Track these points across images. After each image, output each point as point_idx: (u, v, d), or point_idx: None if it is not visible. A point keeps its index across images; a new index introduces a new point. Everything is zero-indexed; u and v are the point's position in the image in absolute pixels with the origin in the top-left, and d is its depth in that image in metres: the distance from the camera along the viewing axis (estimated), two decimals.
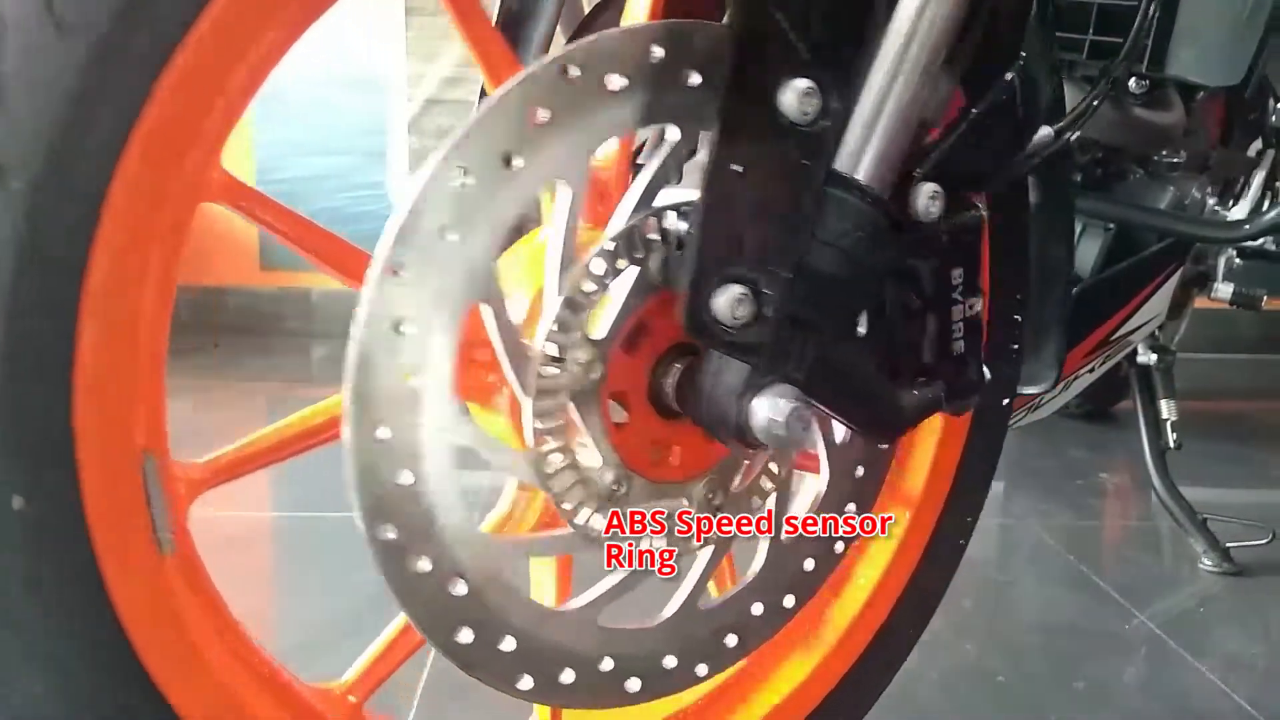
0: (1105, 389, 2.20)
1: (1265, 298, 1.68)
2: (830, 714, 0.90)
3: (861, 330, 0.72)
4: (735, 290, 0.60)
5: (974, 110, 0.70)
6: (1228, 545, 1.67)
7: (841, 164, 0.63)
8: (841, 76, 0.61)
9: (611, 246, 0.63)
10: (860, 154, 0.64)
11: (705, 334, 0.60)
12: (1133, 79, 1.11)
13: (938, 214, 0.68)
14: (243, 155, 2.92)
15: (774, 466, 0.75)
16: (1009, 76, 0.72)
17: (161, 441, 0.57)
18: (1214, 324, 3.05)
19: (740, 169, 0.59)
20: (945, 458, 0.93)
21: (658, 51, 0.61)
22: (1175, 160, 1.25)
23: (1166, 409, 1.73)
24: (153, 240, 0.54)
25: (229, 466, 0.64)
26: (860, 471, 0.81)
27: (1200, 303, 1.83)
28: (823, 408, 0.70)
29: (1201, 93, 1.23)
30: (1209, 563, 1.67)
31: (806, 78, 0.60)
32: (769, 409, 0.63)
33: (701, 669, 0.76)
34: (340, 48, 2.67)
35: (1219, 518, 1.69)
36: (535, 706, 0.80)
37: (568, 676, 0.69)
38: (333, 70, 2.74)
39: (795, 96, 0.59)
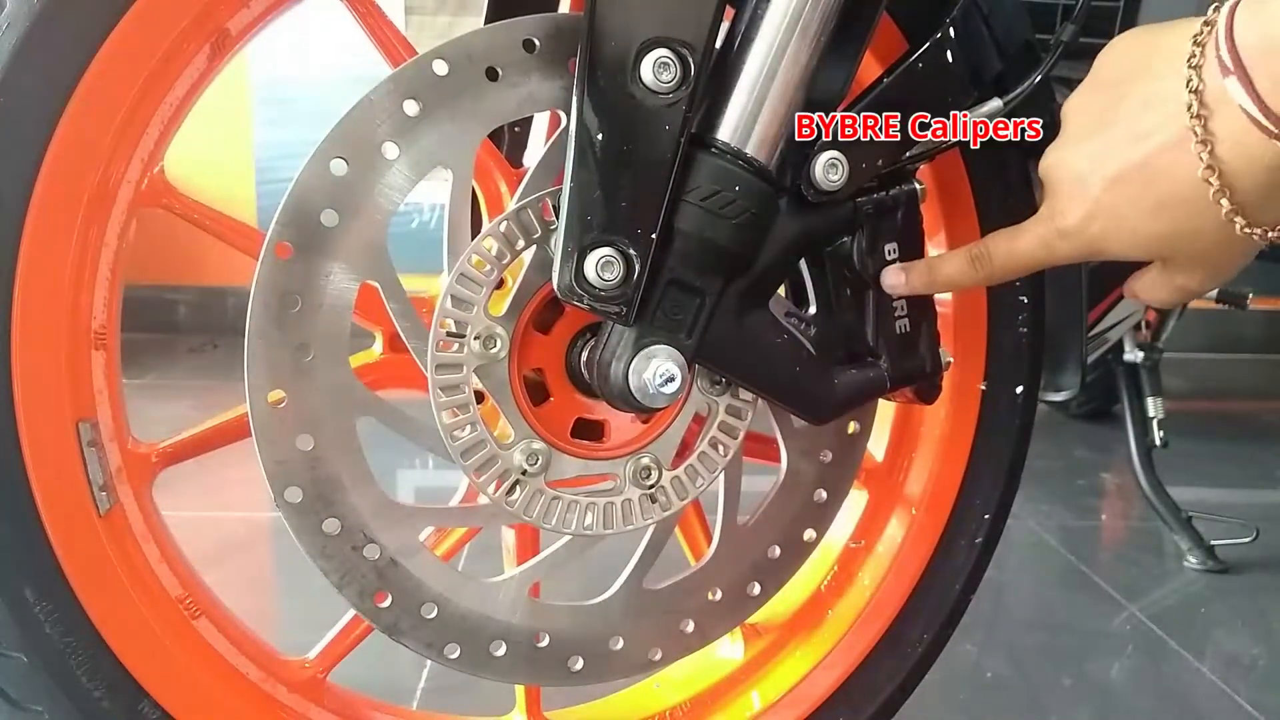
0: (1107, 388, 2.19)
1: (1251, 296, 1.61)
2: (829, 716, 0.87)
3: (780, 303, 0.72)
4: (603, 252, 0.63)
5: (902, 65, 0.70)
6: (1212, 543, 1.69)
7: (724, 133, 0.65)
8: (702, 46, 0.63)
9: (503, 227, 0.66)
10: (741, 123, 0.65)
11: (574, 296, 0.63)
12: None
13: (840, 182, 0.68)
14: (243, 156, 3.05)
15: (721, 445, 0.75)
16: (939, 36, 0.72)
17: (92, 413, 0.65)
18: (1215, 324, 3.11)
19: (600, 136, 0.62)
20: (951, 455, 0.90)
21: (533, 42, 0.65)
22: None
23: (1153, 407, 1.75)
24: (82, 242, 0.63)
25: (186, 446, 0.71)
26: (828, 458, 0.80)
27: (1201, 303, 1.79)
28: (725, 376, 0.71)
29: None
30: (1194, 560, 1.68)
31: (664, 47, 0.62)
32: (646, 370, 0.64)
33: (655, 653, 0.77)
34: (340, 47, 2.83)
35: (1204, 515, 1.72)
36: (516, 696, 0.82)
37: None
38: (333, 70, 2.89)
39: (651, 65, 0.62)
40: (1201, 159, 0.56)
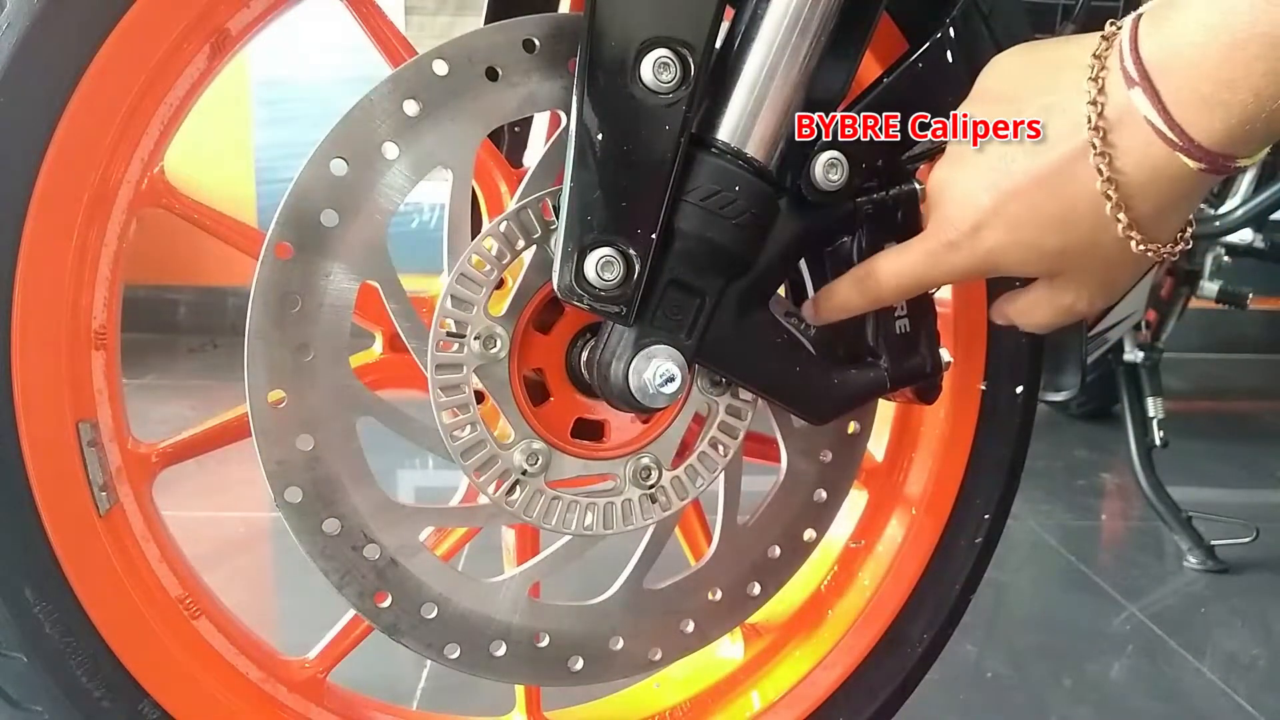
0: (1107, 388, 2.20)
1: (1251, 295, 1.62)
2: (829, 716, 0.87)
3: (780, 303, 0.72)
4: (603, 252, 0.63)
5: (902, 65, 0.70)
6: (1212, 543, 1.69)
7: (724, 133, 0.65)
8: (702, 46, 0.63)
9: (503, 227, 0.66)
10: (741, 122, 0.65)
11: (574, 296, 0.63)
12: None
13: (840, 182, 0.68)
14: (243, 156, 3.06)
15: (721, 445, 0.75)
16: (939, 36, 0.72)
17: (92, 413, 0.65)
18: (1215, 324, 3.13)
19: (600, 136, 0.62)
20: (951, 455, 0.90)
21: (533, 42, 0.65)
22: None
23: (1153, 406, 1.75)
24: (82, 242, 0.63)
25: (186, 446, 0.71)
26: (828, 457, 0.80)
27: (1203, 303, 1.81)
28: (725, 376, 0.71)
29: None
30: (1194, 560, 1.69)
31: (664, 47, 0.62)
32: (646, 370, 0.64)
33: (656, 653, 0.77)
34: (340, 47, 2.83)
35: (1204, 515, 1.72)
36: (516, 696, 0.82)
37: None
38: (333, 70, 2.90)
39: (651, 65, 0.62)
40: (1101, 171, 0.56)
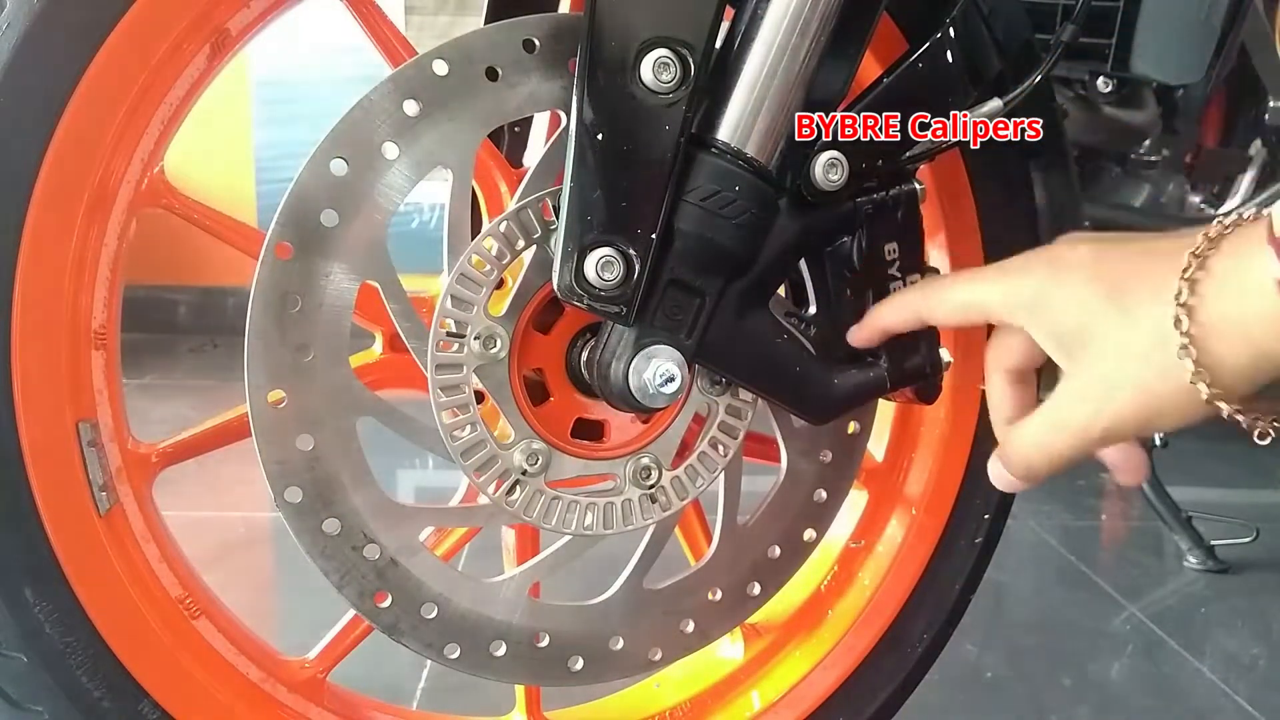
0: None
1: None
2: (829, 716, 0.87)
3: (780, 303, 0.72)
4: (603, 252, 0.63)
5: (902, 65, 0.70)
6: (1212, 543, 1.69)
7: (724, 133, 0.65)
8: (702, 46, 0.63)
9: (503, 227, 0.66)
10: (741, 123, 0.65)
11: (574, 296, 0.63)
12: (1100, 78, 1.11)
13: (840, 182, 0.68)
14: (243, 156, 3.05)
15: (720, 445, 0.75)
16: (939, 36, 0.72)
17: (92, 413, 0.65)
18: None
19: (600, 136, 0.62)
20: (951, 455, 0.90)
21: (533, 42, 0.65)
22: (1152, 158, 1.22)
23: None
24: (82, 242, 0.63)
25: (186, 446, 0.71)
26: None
27: None
28: (724, 376, 0.71)
29: (1180, 91, 1.20)
30: (1194, 560, 1.69)
31: (664, 47, 0.62)
32: (646, 370, 0.64)
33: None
34: (340, 47, 2.82)
35: (1204, 515, 1.72)
36: (516, 696, 0.82)
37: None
38: (333, 70, 2.88)
39: (651, 65, 0.62)
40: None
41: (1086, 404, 0.56)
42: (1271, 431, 0.53)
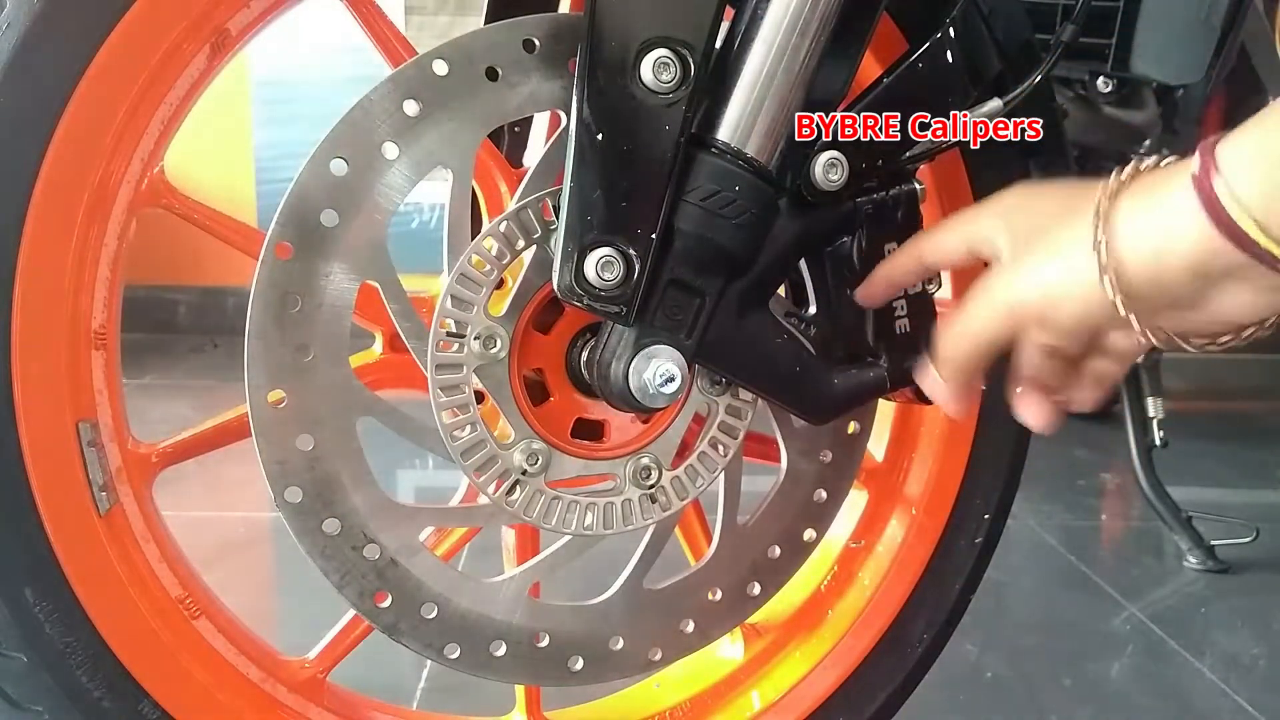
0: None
1: None
2: (829, 716, 0.87)
3: (780, 303, 0.72)
4: (603, 252, 0.63)
5: (902, 65, 0.70)
6: (1212, 543, 1.69)
7: (724, 133, 0.65)
8: (702, 46, 0.63)
9: (503, 227, 0.66)
10: (741, 123, 0.65)
11: (574, 296, 0.63)
12: (1100, 78, 1.12)
13: (840, 182, 0.68)
14: (243, 156, 3.05)
15: (720, 445, 0.75)
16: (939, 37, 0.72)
17: (92, 413, 0.65)
18: None
19: (600, 136, 0.62)
20: (951, 455, 0.90)
21: (533, 42, 0.65)
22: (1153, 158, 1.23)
23: (1153, 407, 1.75)
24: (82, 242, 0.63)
25: (186, 446, 0.71)
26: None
27: None
28: (725, 376, 0.71)
29: (1180, 91, 1.20)
30: (1194, 560, 1.68)
31: (664, 48, 0.62)
32: (646, 370, 0.64)
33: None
34: (340, 47, 2.81)
35: (1204, 515, 1.72)
36: (516, 696, 0.82)
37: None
38: (333, 70, 2.87)
39: (651, 65, 0.62)
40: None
41: (1002, 277, 0.62)
42: (1190, 348, 0.59)
